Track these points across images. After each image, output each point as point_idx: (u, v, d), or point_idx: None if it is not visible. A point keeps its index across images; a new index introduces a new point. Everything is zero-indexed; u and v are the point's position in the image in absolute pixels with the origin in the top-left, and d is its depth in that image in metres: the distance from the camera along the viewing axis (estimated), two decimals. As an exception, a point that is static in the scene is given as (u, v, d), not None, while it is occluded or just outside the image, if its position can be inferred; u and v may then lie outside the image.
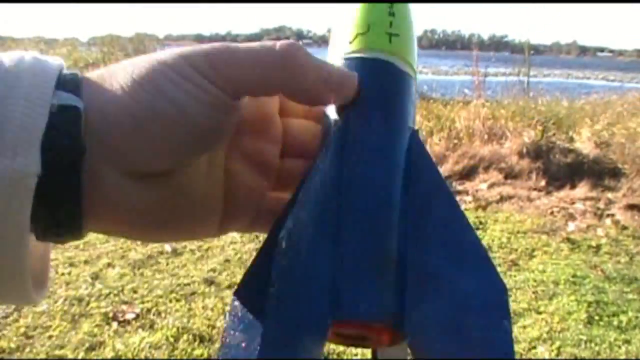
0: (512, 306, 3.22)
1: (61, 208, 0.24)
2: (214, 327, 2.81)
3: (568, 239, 4.42)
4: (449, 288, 0.24)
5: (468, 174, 6.46)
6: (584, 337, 2.89)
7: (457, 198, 5.42)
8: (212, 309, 2.99)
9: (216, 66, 0.26)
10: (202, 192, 0.31)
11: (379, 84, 0.29)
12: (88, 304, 3.02)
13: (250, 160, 0.34)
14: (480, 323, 0.24)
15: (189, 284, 3.29)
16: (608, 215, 5.10)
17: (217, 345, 2.67)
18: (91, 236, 4.03)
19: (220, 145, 0.30)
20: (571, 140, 7.45)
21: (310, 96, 0.29)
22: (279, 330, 0.23)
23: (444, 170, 6.41)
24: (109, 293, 3.14)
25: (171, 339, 2.67)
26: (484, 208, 5.23)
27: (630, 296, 3.43)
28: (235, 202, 0.33)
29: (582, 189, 5.84)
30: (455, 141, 7.41)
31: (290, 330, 0.24)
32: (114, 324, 2.81)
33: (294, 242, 0.25)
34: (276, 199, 0.36)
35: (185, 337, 2.69)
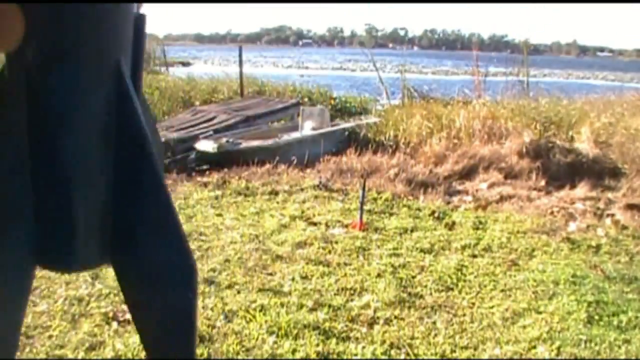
0: (512, 306, 3.23)
1: None
2: (214, 327, 2.81)
3: (568, 239, 4.42)
4: (144, 253, 0.26)
5: (468, 173, 6.45)
6: (584, 337, 2.89)
7: (457, 198, 5.40)
8: (212, 309, 2.99)
9: None
10: None
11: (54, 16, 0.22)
12: (88, 304, 3.01)
13: None
14: (169, 293, 0.27)
15: (189, 284, 3.28)
16: (608, 215, 5.10)
17: (217, 345, 2.67)
18: (91, 236, 4.04)
19: None
20: (571, 140, 7.44)
21: None
22: None
23: (444, 170, 6.42)
24: (109, 293, 3.13)
25: (171, 339, 2.67)
26: (484, 208, 5.24)
27: (630, 296, 3.42)
28: None
29: (582, 189, 5.84)
30: (455, 141, 7.41)
31: None
32: (114, 324, 2.80)
33: None
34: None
35: (185, 337, 2.69)
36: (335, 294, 3.25)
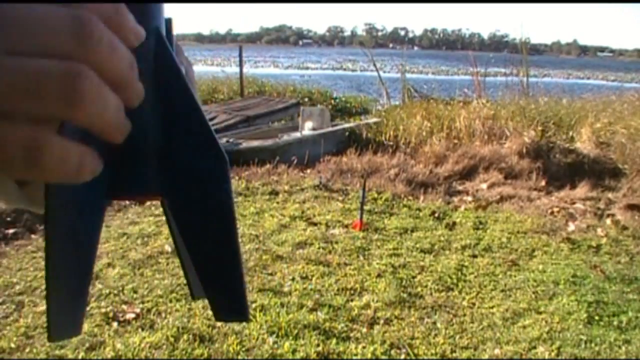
0: (512, 306, 3.23)
1: None
2: (214, 327, 2.81)
3: (568, 239, 4.43)
4: (187, 167, 0.34)
5: (468, 173, 6.46)
6: (584, 337, 2.89)
7: (457, 198, 5.40)
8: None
9: None
10: None
11: None
12: (88, 304, 3.01)
13: None
14: (209, 187, 0.34)
15: (189, 284, 3.29)
16: (608, 215, 5.10)
17: (217, 345, 2.67)
18: (91, 236, 4.04)
19: None
20: (571, 140, 7.44)
21: None
22: (62, 213, 0.31)
23: (444, 170, 6.42)
24: (109, 293, 3.14)
25: (171, 339, 2.67)
26: (484, 208, 5.24)
27: (630, 296, 3.42)
28: None
29: (582, 189, 5.84)
30: (455, 141, 7.41)
31: (72, 213, 0.32)
32: (114, 324, 2.81)
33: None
34: None
35: (185, 337, 2.69)
36: (335, 294, 3.25)
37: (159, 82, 0.33)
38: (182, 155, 0.34)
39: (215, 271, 0.36)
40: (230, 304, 0.36)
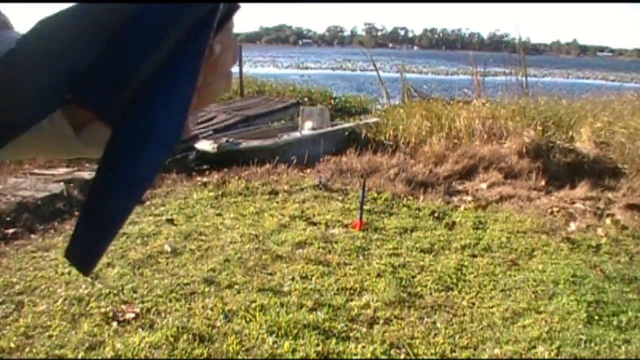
0: (512, 306, 3.23)
1: None
2: (214, 327, 2.81)
3: (568, 239, 4.42)
4: (151, 116, 0.35)
5: (468, 173, 6.45)
6: (584, 337, 2.89)
7: (457, 198, 5.38)
8: (212, 309, 2.99)
9: None
10: None
11: None
12: (88, 304, 3.01)
13: None
14: (145, 155, 0.35)
15: (189, 284, 3.29)
16: (608, 215, 5.10)
17: (217, 345, 2.67)
18: (91, 236, 4.03)
19: None
20: (571, 140, 7.44)
21: None
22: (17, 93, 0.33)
23: (444, 170, 6.42)
24: (109, 293, 3.13)
25: (171, 339, 2.67)
26: (484, 208, 5.24)
27: (630, 296, 3.42)
28: None
29: (582, 189, 5.84)
30: (456, 141, 7.41)
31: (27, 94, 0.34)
32: (114, 324, 2.81)
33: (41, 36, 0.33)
34: None
35: (185, 337, 2.69)
36: (335, 294, 3.25)
37: (178, 50, 0.34)
38: (147, 113, 0.35)
39: (96, 217, 0.37)
40: (85, 250, 0.37)
